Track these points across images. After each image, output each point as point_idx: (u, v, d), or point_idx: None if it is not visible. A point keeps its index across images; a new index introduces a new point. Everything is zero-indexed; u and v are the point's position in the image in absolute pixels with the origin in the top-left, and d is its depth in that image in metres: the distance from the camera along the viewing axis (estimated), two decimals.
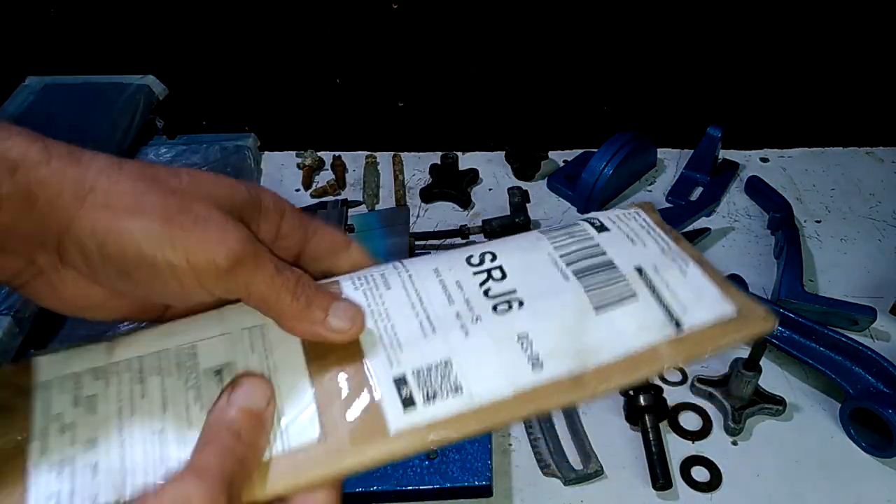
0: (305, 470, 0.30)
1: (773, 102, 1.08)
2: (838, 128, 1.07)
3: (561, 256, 0.35)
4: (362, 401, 0.31)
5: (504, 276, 0.34)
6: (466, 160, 1.03)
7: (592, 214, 0.38)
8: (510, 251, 0.36)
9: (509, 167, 1.01)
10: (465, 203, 0.96)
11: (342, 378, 0.32)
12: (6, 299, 0.69)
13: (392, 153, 1.04)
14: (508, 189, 0.87)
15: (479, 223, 0.87)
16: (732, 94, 1.07)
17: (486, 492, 0.61)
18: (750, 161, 1.03)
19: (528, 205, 0.87)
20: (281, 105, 1.10)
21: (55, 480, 0.30)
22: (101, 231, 0.28)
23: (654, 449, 0.65)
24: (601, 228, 0.37)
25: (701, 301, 0.33)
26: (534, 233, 0.38)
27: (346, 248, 0.36)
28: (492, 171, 1.02)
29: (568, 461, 0.65)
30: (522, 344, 0.32)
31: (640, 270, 0.34)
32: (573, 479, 0.64)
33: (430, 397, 0.30)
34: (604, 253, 0.35)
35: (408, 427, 0.30)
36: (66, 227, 0.28)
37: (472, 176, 1.00)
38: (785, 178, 0.99)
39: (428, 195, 0.97)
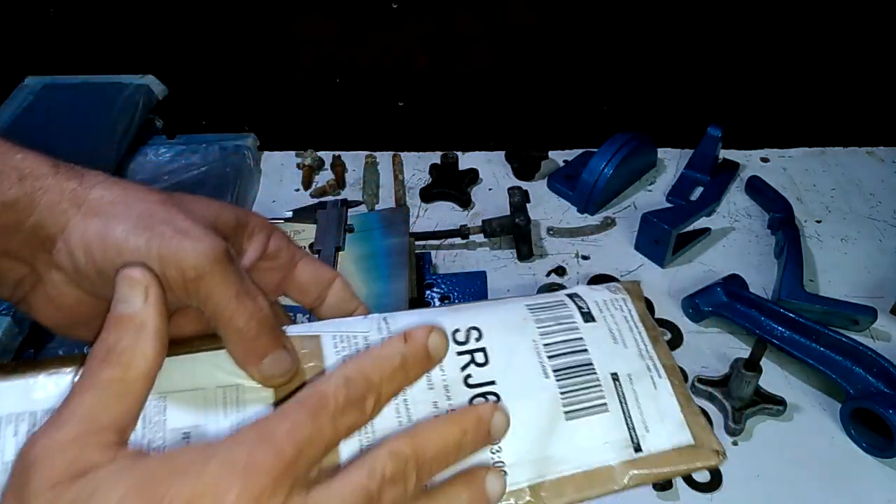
0: None
1: (774, 102, 1.08)
2: (839, 128, 1.07)
3: (545, 346, 0.34)
4: None
5: (486, 361, 0.33)
6: (466, 160, 1.02)
7: (580, 293, 0.38)
8: (495, 329, 0.34)
9: (509, 167, 1.01)
10: (465, 203, 0.96)
11: None
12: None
13: (392, 153, 1.04)
14: (508, 189, 0.87)
15: (479, 223, 0.87)
16: (732, 94, 1.07)
17: None
18: (750, 161, 1.03)
19: (528, 205, 0.87)
20: (281, 105, 1.09)
21: None
22: (89, 235, 0.30)
23: None
24: (588, 317, 0.36)
25: (663, 424, 0.34)
26: (521, 306, 0.36)
27: (332, 282, 0.38)
28: (492, 171, 1.01)
29: None
30: (491, 449, 0.31)
31: (615, 378, 0.34)
32: None
33: None
34: (585, 350, 0.35)
35: None
36: (61, 231, 0.30)
37: (472, 176, 1.00)
38: (785, 178, 0.99)
39: (428, 195, 0.97)
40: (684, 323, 0.79)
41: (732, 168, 1.00)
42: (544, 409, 0.32)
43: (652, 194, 0.98)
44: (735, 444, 0.67)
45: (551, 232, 0.92)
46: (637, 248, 0.88)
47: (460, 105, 1.09)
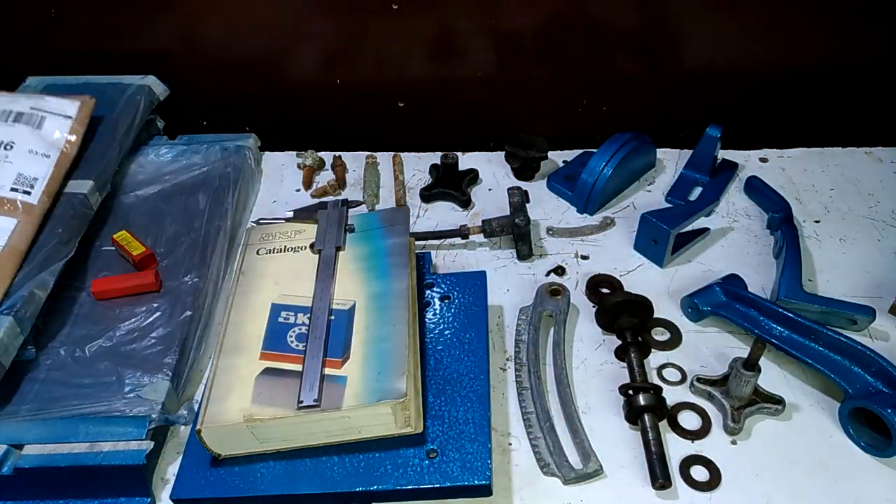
0: None
1: (773, 102, 1.08)
2: (837, 128, 1.08)
3: None
4: None
5: None
6: (466, 160, 1.03)
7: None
8: None
9: (509, 167, 1.01)
10: (465, 203, 0.96)
11: None
12: (7, 299, 0.69)
13: (392, 153, 1.05)
14: (508, 189, 0.87)
15: (479, 223, 0.87)
16: (732, 94, 1.07)
17: (486, 491, 0.62)
18: (749, 161, 1.03)
19: (527, 205, 0.87)
20: (281, 105, 1.10)
21: None
22: None
23: (653, 448, 0.65)
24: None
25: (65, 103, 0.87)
26: None
27: None
28: (492, 171, 1.02)
29: (567, 460, 0.66)
30: (46, 155, 0.81)
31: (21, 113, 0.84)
32: (573, 478, 0.64)
33: (30, 186, 0.78)
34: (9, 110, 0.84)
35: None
36: None
37: (473, 176, 1.00)
38: (784, 178, 1.00)
39: (428, 195, 0.97)
40: (683, 323, 0.79)
41: (731, 168, 1.01)
42: (28, 132, 0.81)
43: (651, 194, 0.98)
44: (734, 443, 0.68)
45: (551, 232, 0.92)
46: (636, 247, 0.88)
47: (460, 105, 1.09)
